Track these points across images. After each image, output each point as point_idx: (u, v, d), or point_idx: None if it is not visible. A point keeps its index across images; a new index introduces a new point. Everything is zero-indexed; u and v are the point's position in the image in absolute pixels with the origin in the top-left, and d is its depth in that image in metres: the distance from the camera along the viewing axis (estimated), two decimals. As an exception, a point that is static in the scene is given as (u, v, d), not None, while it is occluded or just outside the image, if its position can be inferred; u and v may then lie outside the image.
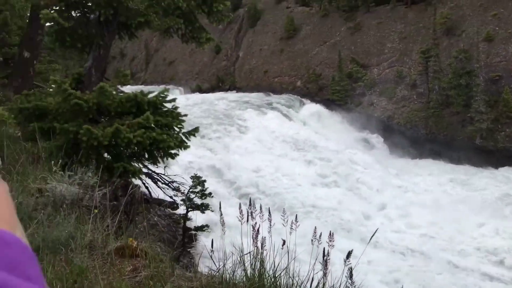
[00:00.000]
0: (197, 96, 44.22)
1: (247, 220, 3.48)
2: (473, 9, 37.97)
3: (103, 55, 8.55)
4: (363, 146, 34.10)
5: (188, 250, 13.73)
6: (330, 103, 41.67)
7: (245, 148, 27.30)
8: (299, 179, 24.61)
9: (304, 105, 42.00)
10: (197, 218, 13.27)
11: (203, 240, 12.56)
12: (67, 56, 23.67)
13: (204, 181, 13.37)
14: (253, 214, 3.60)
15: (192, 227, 13.55)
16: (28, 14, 15.77)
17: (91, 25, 8.43)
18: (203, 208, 12.99)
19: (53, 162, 5.27)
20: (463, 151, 31.75)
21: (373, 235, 3.47)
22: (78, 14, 8.36)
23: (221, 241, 3.79)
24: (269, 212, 3.68)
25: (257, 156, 26.25)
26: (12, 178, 4.63)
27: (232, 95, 44.89)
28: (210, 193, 13.33)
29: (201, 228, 13.38)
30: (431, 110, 35.58)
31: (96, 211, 4.66)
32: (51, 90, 7.50)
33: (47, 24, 7.74)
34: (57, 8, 8.07)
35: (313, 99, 43.36)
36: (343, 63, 43.01)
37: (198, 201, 12.93)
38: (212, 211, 13.08)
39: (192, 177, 13.16)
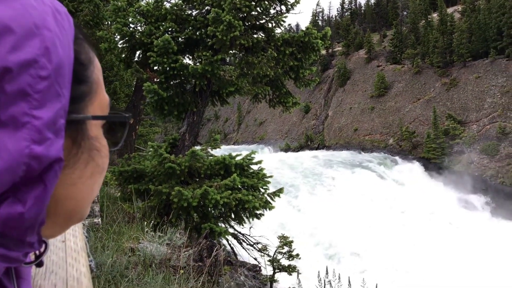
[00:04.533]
0: (287, 155, 44.78)
1: (323, 290, 3.42)
2: None
3: (196, 121, 9.21)
4: (463, 207, 31.57)
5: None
6: (425, 162, 39.75)
7: (335, 208, 26.70)
8: (392, 242, 23.30)
9: (397, 163, 40.48)
10: (285, 280, 13.05)
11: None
12: (167, 120, 25.63)
13: (291, 241, 13.24)
14: (331, 283, 3.54)
15: (279, 289, 13.33)
16: (134, 83, 17.60)
17: (186, 94, 9.20)
18: (290, 270, 12.79)
19: (145, 222, 5.67)
20: None
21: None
22: (175, 84, 9.19)
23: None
24: (349, 282, 3.59)
25: (347, 217, 25.49)
26: (109, 237, 5.05)
27: (322, 153, 44.77)
28: (297, 254, 13.13)
29: (288, 291, 13.12)
30: (542, 169, 32.30)
31: (181, 271, 4.87)
32: (149, 153, 8.19)
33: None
34: (158, 80, 8.98)
35: (407, 157, 41.71)
36: (438, 119, 41.26)
37: (285, 262, 12.79)
38: (300, 273, 12.82)
39: (279, 237, 13.13)
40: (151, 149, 7.96)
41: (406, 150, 43.51)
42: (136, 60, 9.66)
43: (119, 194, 8.02)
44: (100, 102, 0.60)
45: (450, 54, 46.29)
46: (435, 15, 53.14)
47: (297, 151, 51.46)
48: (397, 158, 41.76)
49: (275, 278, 12.83)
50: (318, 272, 3.72)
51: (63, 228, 0.60)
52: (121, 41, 9.30)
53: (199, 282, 4.82)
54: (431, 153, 39.97)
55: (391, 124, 47.52)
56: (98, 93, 0.60)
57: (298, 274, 10.71)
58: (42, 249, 0.56)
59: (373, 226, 24.77)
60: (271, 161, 34.58)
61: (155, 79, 9.30)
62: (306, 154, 44.31)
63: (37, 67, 0.47)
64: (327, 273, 3.56)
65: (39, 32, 0.48)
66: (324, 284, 3.48)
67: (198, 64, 8.87)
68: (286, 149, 56.00)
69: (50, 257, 1.03)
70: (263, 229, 15.49)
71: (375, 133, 48.88)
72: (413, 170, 38.32)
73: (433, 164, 39.18)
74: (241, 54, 8.97)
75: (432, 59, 47.66)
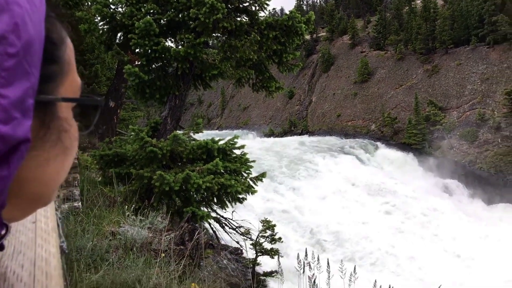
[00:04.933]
0: (271, 140, 44.90)
1: (303, 271, 3.46)
2: None
3: (178, 105, 9.13)
4: (442, 192, 32.22)
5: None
6: (406, 147, 40.30)
7: (317, 192, 26.96)
8: (372, 225, 23.69)
9: (378, 149, 40.97)
10: (267, 262, 13.17)
11: (273, 286, 12.42)
12: (149, 104, 25.40)
13: (274, 225, 13.34)
14: (310, 264, 3.58)
15: (262, 272, 13.47)
16: (116, 66, 17.34)
17: (168, 77, 9.09)
18: (272, 253, 12.90)
19: (126, 206, 5.63)
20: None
21: (436, 294, 3.29)
22: (157, 67, 9.07)
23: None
24: (328, 263, 3.63)
25: (329, 201, 25.78)
26: (89, 221, 5.01)
27: (305, 139, 45.00)
28: (280, 238, 13.24)
29: (270, 274, 13.26)
30: (519, 155, 33.09)
31: (163, 255, 4.87)
32: (130, 137, 8.11)
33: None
34: (139, 63, 8.84)
35: (388, 143, 42.23)
36: (420, 106, 41.76)
37: (267, 245, 12.90)
38: (282, 256, 12.95)
39: (262, 221, 13.22)
40: (132, 133, 7.88)
41: (388, 136, 44.03)
42: (117, 42, 9.48)
43: (100, 178, 7.94)
44: (72, 84, 0.58)
45: (432, 41, 46.67)
46: (418, 1, 53.33)
47: (281, 137, 51.62)
48: (378, 143, 42.26)
49: (257, 261, 12.96)
50: (298, 254, 3.75)
51: (26, 211, 0.58)
52: (102, 23, 9.11)
53: (181, 265, 4.83)
54: (412, 138, 40.54)
55: (373, 110, 47.93)
56: (69, 74, 0.58)
57: (279, 257, 10.83)
58: (2, 232, 0.54)
59: (354, 211, 25.12)
60: (254, 146, 34.63)
61: (136, 62, 9.16)
62: (290, 140, 44.49)
63: (5, 43, 0.45)
64: (306, 255, 3.59)
65: (9, 8, 0.46)
66: (304, 266, 3.51)
67: (180, 47, 8.75)
68: (270, 134, 56.11)
69: (19, 238, 1.01)
70: (246, 213, 15.55)
71: (357, 119, 49.27)
72: (394, 155, 38.84)
73: (414, 149, 39.78)
74: (224, 37, 8.89)
75: (415, 45, 48.00)
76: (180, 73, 8.87)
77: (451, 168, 35.46)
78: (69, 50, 0.58)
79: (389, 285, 3.22)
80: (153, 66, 9.09)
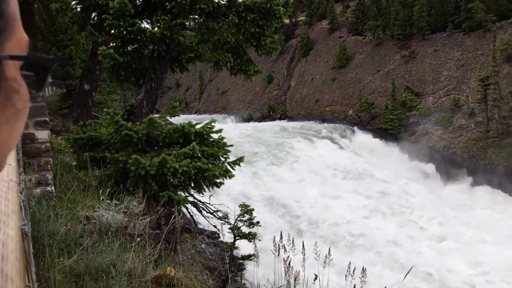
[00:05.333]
0: (250, 125, 44.88)
1: (278, 254, 3.48)
2: (536, 34, 36.30)
3: (154, 88, 8.97)
4: (417, 176, 32.89)
5: (236, 279, 13.71)
6: (382, 132, 40.86)
7: (295, 177, 27.16)
8: (350, 209, 24.06)
9: (355, 134, 41.45)
10: (245, 246, 13.24)
11: (251, 269, 12.52)
12: (125, 87, 24.96)
13: (252, 209, 13.37)
14: (286, 247, 3.60)
15: (240, 255, 13.56)
16: (91, 48, 16.91)
17: (144, 59, 8.91)
18: (250, 237, 12.96)
19: (101, 191, 5.55)
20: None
21: (408, 272, 3.35)
22: (132, 49, 8.87)
23: (256, 273, 3.81)
24: (303, 246, 3.65)
25: (306, 185, 26.01)
26: (63, 206, 4.91)
27: (283, 124, 45.14)
28: (257, 222, 13.29)
29: (248, 257, 13.35)
30: (491, 140, 33.92)
31: (138, 239, 4.82)
32: (105, 121, 7.94)
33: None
34: (114, 44, 8.62)
35: (365, 128, 42.72)
36: (396, 91, 42.25)
37: (245, 229, 12.95)
38: (260, 240, 13.04)
39: (240, 206, 13.24)
40: (107, 116, 7.72)
41: (365, 121, 44.50)
42: (91, 23, 9.22)
43: (74, 162, 7.79)
44: (18, 41, 0.54)
45: (410, 27, 47.04)
46: (397, -13, 53.49)
47: (259, 121, 51.60)
48: (356, 128, 42.71)
49: (236, 245, 13.01)
50: (274, 236, 3.77)
51: None
52: (74, 2, 8.84)
53: (156, 250, 4.80)
54: (389, 124, 41.08)
55: (351, 96, 48.28)
56: (15, 30, 0.53)
57: (255, 240, 10.90)
58: None
59: (331, 195, 25.41)
60: (233, 130, 34.55)
61: (111, 43, 8.94)
62: (269, 124, 44.53)
63: None
64: (281, 238, 3.61)
65: None
66: (279, 248, 3.53)
67: (156, 28, 8.57)
68: (249, 119, 55.99)
69: (-25, 219, 0.96)
70: (224, 198, 15.59)
71: (335, 104, 49.57)
72: (370, 140, 39.38)
73: (390, 134, 40.35)
74: (201, 19, 8.74)
75: (393, 31, 48.31)
76: (156, 55, 8.70)
77: (426, 153, 36.16)
78: (13, 3, 0.53)
79: (363, 267, 3.26)
80: (129, 48, 8.89)
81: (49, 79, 0.61)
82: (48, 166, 5.59)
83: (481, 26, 40.78)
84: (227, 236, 12.61)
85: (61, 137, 8.53)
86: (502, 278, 18.12)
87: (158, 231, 5.32)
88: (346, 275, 3.43)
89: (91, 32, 8.48)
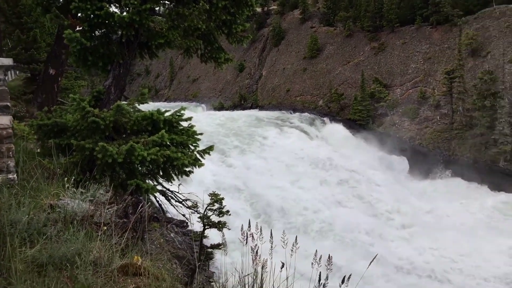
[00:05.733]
0: (221, 113, 44.68)
1: (246, 242, 3.49)
2: (500, 30, 37.43)
3: (123, 74, 8.76)
4: (383, 166, 33.66)
5: (204, 268, 13.71)
6: (351, 123, 41.48)
7: (265, 166, 27.29)
8: (319, 198, 24.40)
9: (325, 124, 41.93)
10: (215, 235, 13.25)
11: (220, 258, 12.55)
12: (93, 73, 24.34)
13: (222, 198, 13.35)
14: (253, 235, 3.61)
15: (209, 244, 13.55)
16: (56, 31, 16.33)
17: (112, 44, 8.67)
18: (220, 226, 12.95)
19: (66, 178, 5.40)
20: (486, 173, 30.99)
21: (374, 259, 3.42)
22: (100, 34, 8.61)
23: (224, 262, 3.81)
24: (271, 234, 3.67)
25: (276, 174, 26.19)
26: (25, 194, 4.76)
27: (254, 113, 45.16)
28: (227, 211, 13.29)
29: (217, 246, 13.36)
30: (455, 132, 35.01)
31: (105, 228, 4.73)
32: (71, 107, 7.72)
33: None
34: (80, 28, 8.35)
35: (335, 119, 43.27)
36: (365, 83, 42.90)
37: (215, 219, 12.92)
38: (229, 229, 13.06)
39: (210, 195, 13.19)
40: (73, 102, 7.50)
41: (335, 112, 45.04)
42: (56, 5, 8.89)
43: (38, 149, 7.55)
44: None
45: (380, 19, 47.68)
46: (368, -21, 53.95)
47: (230, 110, 51.41)
48: (325, 119, 43.21)
49: (205, 234, 12.98)
50: (242, 225, 3.78)
51: None
52: (38, -18, 8.48)
53: (123, 239, 4.72)
54: (357, 115, 41.73)
55: (321, 86, 48.70)
56: None
57: (223, 229, 10.92)
58: None
59: (300, 184, 25.70)
60: (204, 119, 34.32)
61: (78, 27, 8.66)
62: (240, 113, 44.46)
63: None
64: (249, 226, 3.63)
65: None
66: (247, 237, 3.54)
67: (125, 13, 8.34)
68: (220, 107, 55.71)
69: None
70: (195, 187, 15.45)
71: (306, 94, 49.91)
72: (339, 130, 39.93)
73: (359, 125, 41.03)
74: (171, 5, 8.57)
75: (363, 23, 48.87)
76: (125, 40, 8.49)
77: (393, 144, 36.98)
78: None
79: (329, 255, 3.31)
80: (96, 32, 8.63)
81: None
82: (10, 153, 5.39)
83: (448, 20, 41.77)
84: (196, 225, 12.58)
85: (24, 123, 8.25)
86: (462, 264, 18.84)
87: (125, 220, 5.24)
88: (312, 263, 3.47)
89: (56, 14, 8.19)
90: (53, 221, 4.68)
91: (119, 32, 8.69)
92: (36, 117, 7.85)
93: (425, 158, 34.66)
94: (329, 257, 3.29)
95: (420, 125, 38.17)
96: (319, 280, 3.21)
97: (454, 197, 28.24)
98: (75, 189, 5.37)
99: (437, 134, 36.53)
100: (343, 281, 3.14)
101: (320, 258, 3.44)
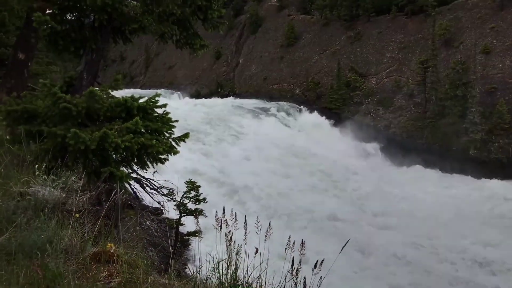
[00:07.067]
0: (197, 101, 44.36)
1: (220, 229, 3.50)
2: (472, 21, 38.17)
3: (95, 59, 8.58)
4: (359, 155, 34.15)
5: (181, 255, 13.71)
6: (327, 111, 41.81)
7: (242, 154, 27.32)
8: (294, 186, 24.62)
9: (302, 112, 42.15)
10: (191, 223, 13.24)
11: (196, 245, 12.56)
12: (66, 58, 23.78)
13: (199, 186, 13.31)
14: (227, 221, 3.62)
15: (186, 232, 13.54)
16: (26, 14, 15.80)
17: (84, 29, 8.47)
18: (196, 213, 12.93)
19: (37, 165, 5.28)
20: (457, 161, 31.84)
21: (345, 244, 3.48)
22: (72, 18, 8.39)
23: (199, 248, 3.81)
24: (245, 220, 3.69)
25: (253, 162, 26.26)
26: (-7, 181, 4.64)
27: (231, 101, 45.04)
28: (204, 199, 13.27)
29: (193, 234, 13.37)
30: (428, 120, 35.72)
31: (77, 215, 4.66)
32: (42, 92, 7.52)
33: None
34: (51, 11, 8.12)
35: (311, 107, 43.51)
36: (342, 71, 43.20)
37: (192, 206, 12.90)
38: (206, 216, 13.06)
39: (186, 182, 13.13)
40: (44, 88, 7.31)
41: (311, 100, 45.27)
42: (25, -13, 8.61)
43: (8, 136, 7.35)
44: None
45: (356, 8, 47.90)
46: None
47: (207, 98, 51.07)
48: (302, 107, 43.41)
49: (181, 222, 12.96)
50: (216, 212, 3.79)
51: None
52: (6, -37, 8.18)
53: (96, 226, 4.67)
54: (333, 103, 42.07)
55: (298, 74, 48.81)
56: None
57: (197, 216, 10.92)
58: None
59: (277, 173, 25.86)
60: (180, 106, 34.02)
61: (48, 10, 8.40)
62: (216, 101, 44.23)
63: None
64: (224, 213, 3.64)
65: None
66: (221, 223, 3.55)
67: (97, -4, 8.13)
68: (196, 95, 55.26)
69: None
70: (171, 175, 15.33)
71: (283, 82, 49.96)
72: (316, 119, 40.23)
73: (335, 114, 41.38)
74: (145, -11, 8.40)
75: (340, 11, 49.00)
76: (98, 25, 8.29)
77: (368, 132, 37.48)
78: None
79: (302, 240, 3.35)
80: (68, 16, 8.41)
81: None
82: (-23, 139, 5.24)
83: (422, 11, 42.30)
84: (172, 213, 12.54)
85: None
86: (433, 250, 19.38)
87: (98, 208, 5.17)
88: (286, 248, 3.51)
89: (25, -3, 7.92)
90: (23, 208, 4.59)
91: (92, 16, 8.49)
92: (5, 102, 7.62)
93: (399, 146, 35.29)
94: (302, 242, 3.34)
95: (395, 113, 38.76)
96: (292, 265, 3.26)
97: (427, 184, 28.92)
98: (46, 177, 5.26)
99: (410, 123, 37.20)
100: (315, 266, 3.19)
101: (293, 244, 3.49)
